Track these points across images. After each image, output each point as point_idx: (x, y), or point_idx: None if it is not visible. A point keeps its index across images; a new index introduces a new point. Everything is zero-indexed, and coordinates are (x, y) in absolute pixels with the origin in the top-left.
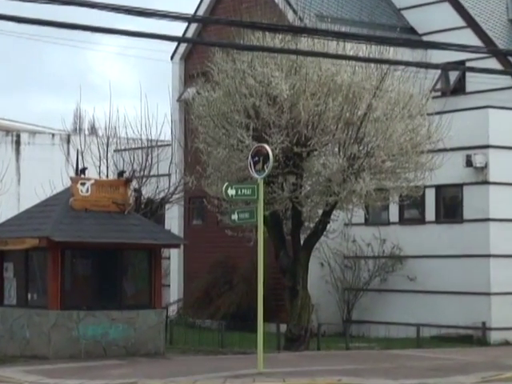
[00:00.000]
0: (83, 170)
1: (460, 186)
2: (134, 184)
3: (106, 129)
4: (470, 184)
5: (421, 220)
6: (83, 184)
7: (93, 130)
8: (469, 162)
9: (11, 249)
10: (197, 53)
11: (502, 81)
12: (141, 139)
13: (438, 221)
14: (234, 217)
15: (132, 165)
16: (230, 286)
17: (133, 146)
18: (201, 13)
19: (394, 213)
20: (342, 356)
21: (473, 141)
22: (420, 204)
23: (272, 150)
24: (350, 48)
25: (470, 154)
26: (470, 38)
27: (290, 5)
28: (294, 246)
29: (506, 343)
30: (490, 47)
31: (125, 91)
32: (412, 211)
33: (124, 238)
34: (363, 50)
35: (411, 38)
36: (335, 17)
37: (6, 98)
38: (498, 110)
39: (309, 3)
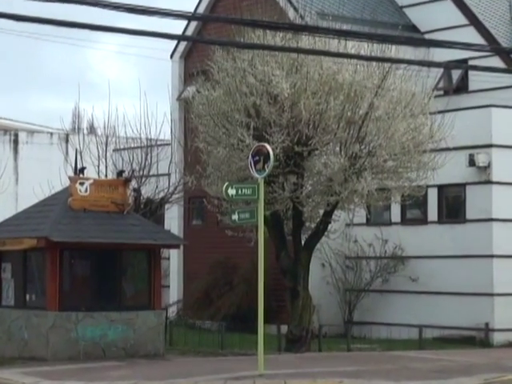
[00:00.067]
0: (82, 170)
1: (463, 185)
2: (134, 184)
3: (104, 128)
4: (473, 184)
5: (423, 220)
6: (82, 184)
7: (92, 129)
8: (471, 162)
9: (9, 249)
10: (197, 51)
11: (505, 79)
12: (140, 138)
13: (440, 221)
14: (235, 217)
15: (131, 164)
16: (230, 287)
17: (132, 146)
18: (201, 11)
19: (395, 213)
20: (343, 357)
21: (476, 140)
22: (422, 204)
23: (273, 150)
24: (352, 46)
25: (472, 153)
26: (472, 36)
27: (290, 2)
28: (294, 246)
29: (509, 345)
30: (492, 45)
31: (124, 90)
32: (414, 211)
33: (123, 239)
34: (365, 48)
35: (413, 36)
36: (336, 15)
37: (4, 97)
38: (501, 109)
39: (310, 1)
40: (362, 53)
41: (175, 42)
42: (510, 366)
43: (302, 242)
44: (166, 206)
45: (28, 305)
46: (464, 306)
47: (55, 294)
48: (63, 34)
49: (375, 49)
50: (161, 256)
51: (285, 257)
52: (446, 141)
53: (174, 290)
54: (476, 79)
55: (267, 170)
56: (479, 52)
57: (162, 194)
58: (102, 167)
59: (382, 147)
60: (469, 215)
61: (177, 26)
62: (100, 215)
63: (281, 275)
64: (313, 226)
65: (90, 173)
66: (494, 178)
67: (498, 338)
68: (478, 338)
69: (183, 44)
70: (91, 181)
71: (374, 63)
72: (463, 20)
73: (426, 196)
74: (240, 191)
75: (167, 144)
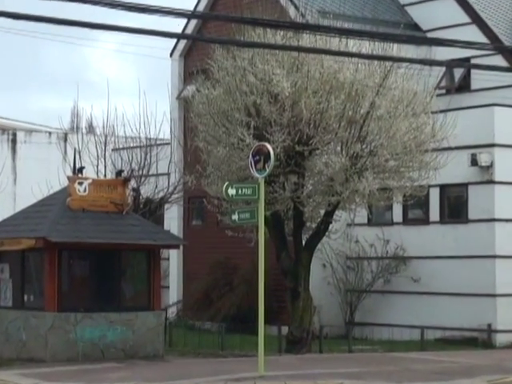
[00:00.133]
0: (81, 170)
1: (465, 185)
2: (133, 183)
3: (103, 127)
4: (475, 183)
5: (425, 220)
6: (81, 183)
7: (90, 129)
8: (474, 161)
9: (7, 249)
10: (196, 50)
11: (508, 78)
12: (139, 138)
13: (442, 221)
14: (235, 217)
15: (130, 164)
16: (230, 288)
17: (131, 145)
18: (201, 9)
19: (397, 213)
20: (344, 359)
21: (478, 139)
22: (424, 204)
23: (273, 149)
24: (353, 45)
25: (475, 152)
26: (475, 34)
27: (291, 1)
28: (295, 246)
29: None
30: (495, 44)
31: (123, 89)
32: (416, 211)
33: (122, 239)
34: (366, 46)
35: (415, 34)
36: (337, 13)
37: (2, 96)
38: (504, 108)
39: None
40: (364, 51)
41: (175, 40)
42: None
43: (303, 243)
44: (166, 206)
45: (26, 306)
46: (466, 307)
47: (54, 295)
48: (61, 33)
49: (377, 47)
50: (160, 256)
51: (285, 257)
52: (448, 140)
53: (173, 291)
54: (478, 78)
55: (268, 170)
56: (482, 50)
57: (161, 194)
58: (101, 167)
59: (383, 147)
60: (471, 215)
61: (176, 25)
62: (99, 215)
63: (281, 276)
64: (314, 226)
65: (89, 172)
66: (497, 178)
67: (500, 339)
68: (481, 339)
69: (183, 42)
70: (90, 180)
71: (376, 62)
72: (465, 18)
73: (427, 196)
74: (240, 191)
75: (167, 143)
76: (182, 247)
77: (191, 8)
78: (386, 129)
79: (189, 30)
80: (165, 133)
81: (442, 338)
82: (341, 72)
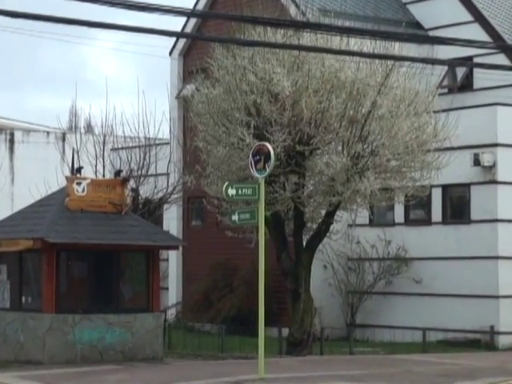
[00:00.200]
0: (79, 170)
1: (467, 185)
2: (132, 184)
3: (102, 127)
4: (478, 184)
5: (427, 221)
6: (79, 184)
7: (89, 128)
8: (476, 161)
9: (5, 250)
10: (196, 48)
11: (511, 77)
12: (138, 137)
13: (444, 221)
14: (235, 217)
15: (129, 164)
16: (230, 289)
17: (130, 145)
18: (200, 7)
19: (399, 213)
20: (345, 361)
21: (480, 139)
22: (426, 204)
23: (273, 149)
24: (354, 43)
25: (477, 152)
26: (477, 33)
27: None
28: (296, 247)
29: None
30: (498, 42)
31: (122, 88)
32: (418, 212)
33: (121, 240)
34: (367, 45)
35: (417, 33)
36: (339, 11)
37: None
38: (507, 108)
39: None
40: (365, 50)
41: (174, 39)
42: None
43: (304, 243)
44: (165, 207)
45: (24, 307)
46: (469, 309)
47: (52, 296)
48: (58, 31)
49: (378, 46)
50: (159, 257)
51: (286, 258)
52: (450, 140)
53: (172, 292)
54: (481, 77)
55: (268, 170)
56: (484, 49)
57: (160, 194)
58: (100, 167)
59: (385, 146)
60: (473, 216)
61: (176, 23)
62: (97, 216)
63: (282, 277)
64: (314, 226)
65: (88, 172)
66: (500, 178)
67: (503, 340)
68: (483, 341)
69: (182, 41)
70: (88, 181)
71: (377, 61)
72: (468, 16)
73: (429, 196)
74: (240, 191)
75: (166, 143)
76: (181, 248)
77: (191, 6)
78: (388, 128)
79: (188, 29)
80: (164, 132)
81: (444, 339)
82: (342, 71)
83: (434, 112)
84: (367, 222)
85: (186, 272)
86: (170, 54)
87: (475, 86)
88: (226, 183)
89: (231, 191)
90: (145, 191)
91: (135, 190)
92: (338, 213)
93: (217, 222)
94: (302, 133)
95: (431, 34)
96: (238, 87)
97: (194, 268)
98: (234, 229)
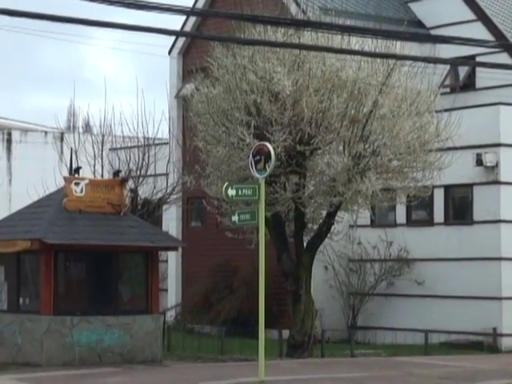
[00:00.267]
0: (77, 170)
1: (470, 185)
2: (130, 184)
3: (100, 126)
4: (481, 184)
5: (429, 221)
6: (77, 184)
7: (87, 128)
8: (479, 161)
9: (2, 251)
10: (195, 47)
11: None
12: (137, 137)
13: (446, 222)
14: (235, 218)
15: (128, 164)
16: (230, 291)
17: (129, 145)
18: (200, 5)
19: (401, 214)
20: (346, 363)
21: (483, 139)
22: (428, 205)
23: (274, 149)
24: (356, 42)
25: (480, 152)
26: (480, 31)
27: None
28: (296, 248)
29: None
30: (501, 41)
31: (120, 87)
32: (420, 212)
33: (120, 241)
34: (369, 44)
35: (419, 31)
36: (340, 10)
37: None
38: (510, 107)
39: None
40: (366, 49)
41: (173, 37)
42: None
43: (304, 244)
44: (164, 207)
45: (21, 309)
46: (471, 310)
47: (50, 298)
48: (56, 30)
49: (379, 45)
50: (159, 258)
51: (286, 259)
52: (452, 140)
53: (172, 294)
54: (483, 76)
55: (268, 170)
56: (487, 48)
57: (159, 195)
58: (98, 167)
59: (386, 146)
60: (476, 216)
61: (175, 22)
62: (96, 216)
63: (282, 278)
64: (315, 227)
65: (86, 173)
66: (502, 178)
67: (506, 343)
68: (486, 343)
69: (182, 40)
70: (87, 181)
71: (379, 60)
72: (470, 15)
73: (432, 197)
74: (240, 192)
75: (165, 143)
76: (180, 249)
77: (190, 5)
78: (390, 128)
79: (188, 28)
80: (163, 132)
81: (446, 341)
82: (343, 70)
83: (436, 112)
84: (368, 222)
85: (185, 273)
86: (170, 52)
87: (478, 85)
88: (226, 183)
89: (231, 192)
90: (144, 192)
91: (134, 191)
92: (339, 213)
93: (217, 222)
94: (302, 133)
95: (433, 32)
96: (238, 86)
97: (193, 269)
98: (234, 230)
